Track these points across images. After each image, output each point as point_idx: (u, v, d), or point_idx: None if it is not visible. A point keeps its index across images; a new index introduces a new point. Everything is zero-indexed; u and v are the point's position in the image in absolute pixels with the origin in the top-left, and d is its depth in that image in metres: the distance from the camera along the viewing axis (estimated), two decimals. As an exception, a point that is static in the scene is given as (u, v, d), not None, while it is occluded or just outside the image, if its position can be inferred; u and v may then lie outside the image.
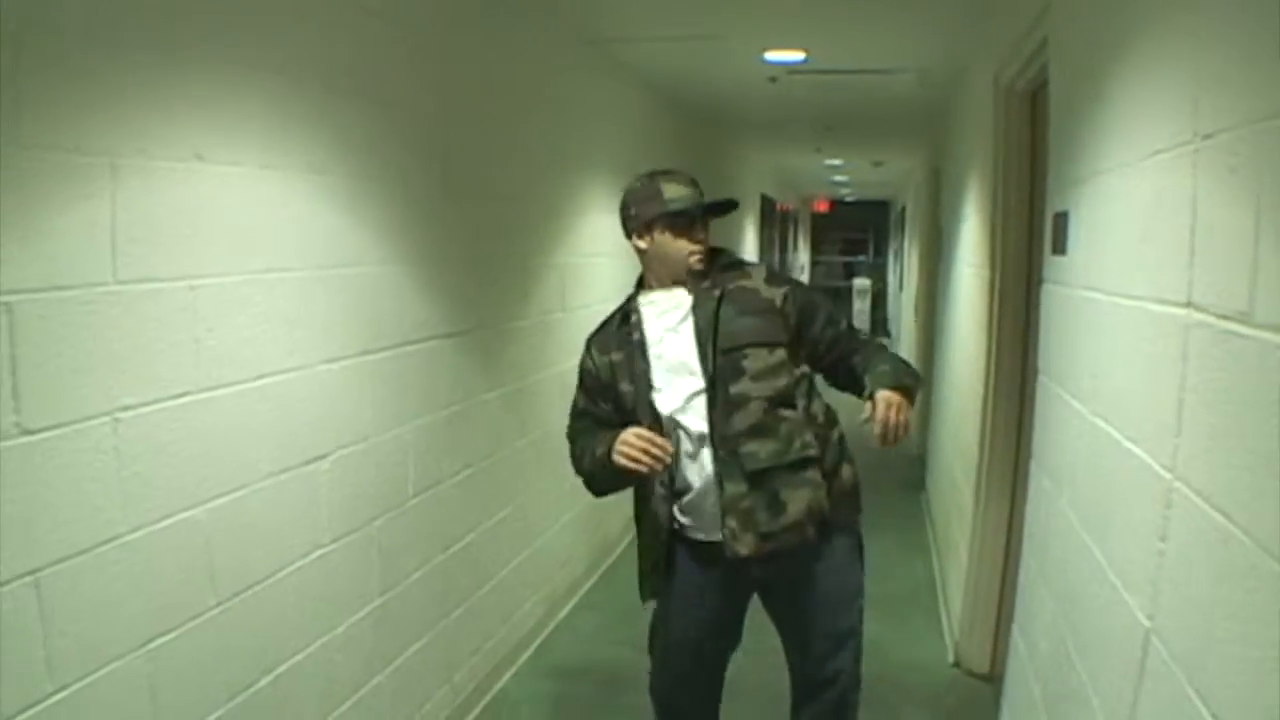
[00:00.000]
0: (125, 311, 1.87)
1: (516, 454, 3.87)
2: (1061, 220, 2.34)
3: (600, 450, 2.38)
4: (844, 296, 17.34)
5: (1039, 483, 2.51)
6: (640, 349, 2.46)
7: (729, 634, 2.65)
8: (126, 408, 1.88)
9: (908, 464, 7.19)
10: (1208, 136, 1.36)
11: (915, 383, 2.34)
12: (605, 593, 4.73)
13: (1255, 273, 1.18)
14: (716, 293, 2.44)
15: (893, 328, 15.39)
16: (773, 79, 5.46)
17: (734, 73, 5.47)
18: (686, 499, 2.46)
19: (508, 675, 3.83)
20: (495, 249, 3.68)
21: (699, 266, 2.48)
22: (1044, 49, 2.70)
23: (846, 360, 2.48)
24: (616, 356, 2.49)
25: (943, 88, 5.65)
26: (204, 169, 2.07)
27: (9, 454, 1.64)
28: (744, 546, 2.38)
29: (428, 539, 3.18)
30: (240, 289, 2.21)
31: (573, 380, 2.64)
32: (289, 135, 2.38)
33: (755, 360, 2.40)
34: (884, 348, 2.53)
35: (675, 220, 2.44)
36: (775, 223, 13.87)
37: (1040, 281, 2.68)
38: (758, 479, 2.37)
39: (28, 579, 1.68)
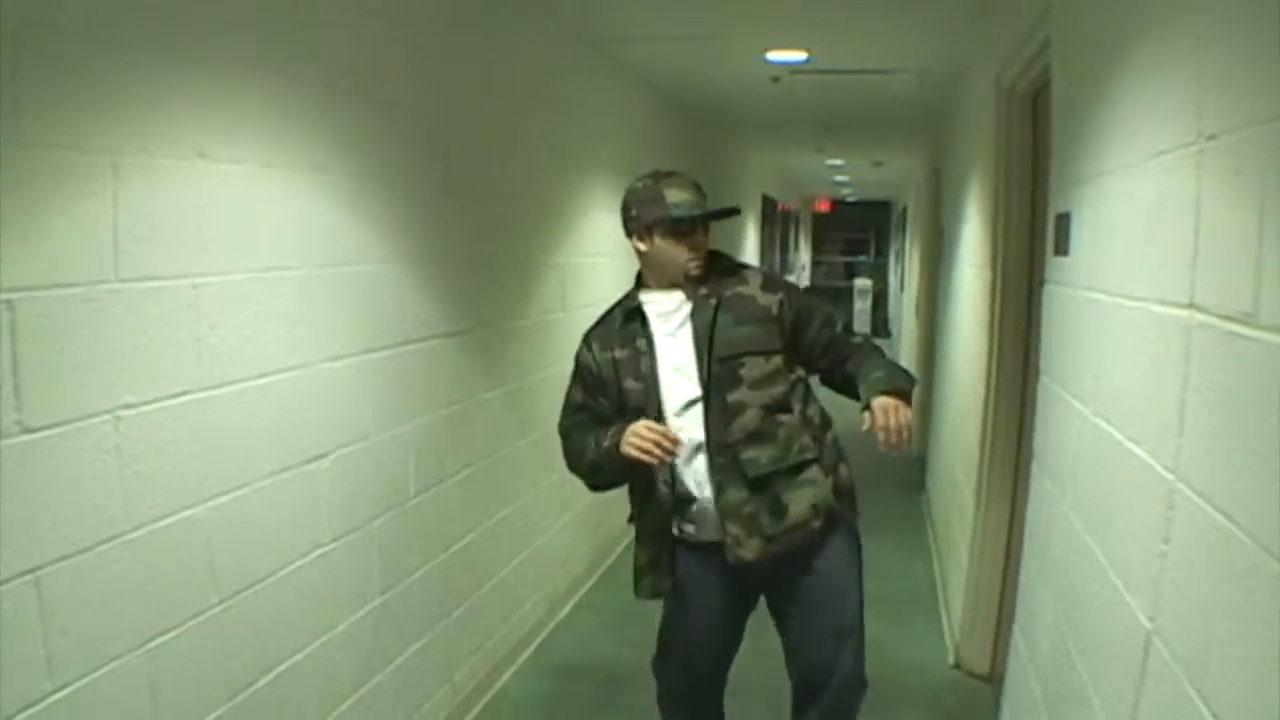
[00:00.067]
0: (127, 310, 1.87)
1: (517, 454, 3.86)
2: (1064, 221, 2.34)
3: (607, 443, 2.38)
4: (845, 297, 17.34)
5: (1040, 483, 2.51)
6: (649, 347, 2.46)
7: (735, 640, 2.66)
8: (128, 406, 1.88)
9: (908, 464, 7.18)
10: (1211, 138, 1.36)
11: (909, 385, 2.34)
12: (605, 592, 4.73)
13: (1259, 274, 1.18)
14: (714, 301, 2.45)
15: (894, 328, 15.38)
16: (774, 79, 5.46)
17: (735, 73, 5.47)
18: (684, 505, 2.46)
19: (508, 674, 3.83)
20: (496, 248, 3.68)
21: (697, 273, 2.48)
22: (1046, 50, 2.69)
23: (841, 364, 2.49)
24: (620, 354, 2.49)
25: (944, 88, 5.65)
26: (206, 167, 2.07)
27: (10, 452, 1.63)
28: (749, 551, 2.40)
29: (428, 538, 3.18)
30: (242, 287, 2.21)
31: (573, 380, 2.64)
32: (290, 134, 2.38)
33: (752, 368, 2.42)
34: (877, 351, 2.52)
35: (676, 226, 2.44)
36: (776, 223, 13.87)
37: (1041, 282, 2.68)
38: (759, 484, 2.39)
39: (28, 577, 1.67)
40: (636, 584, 2.58)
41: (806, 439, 2.44)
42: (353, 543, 2.71)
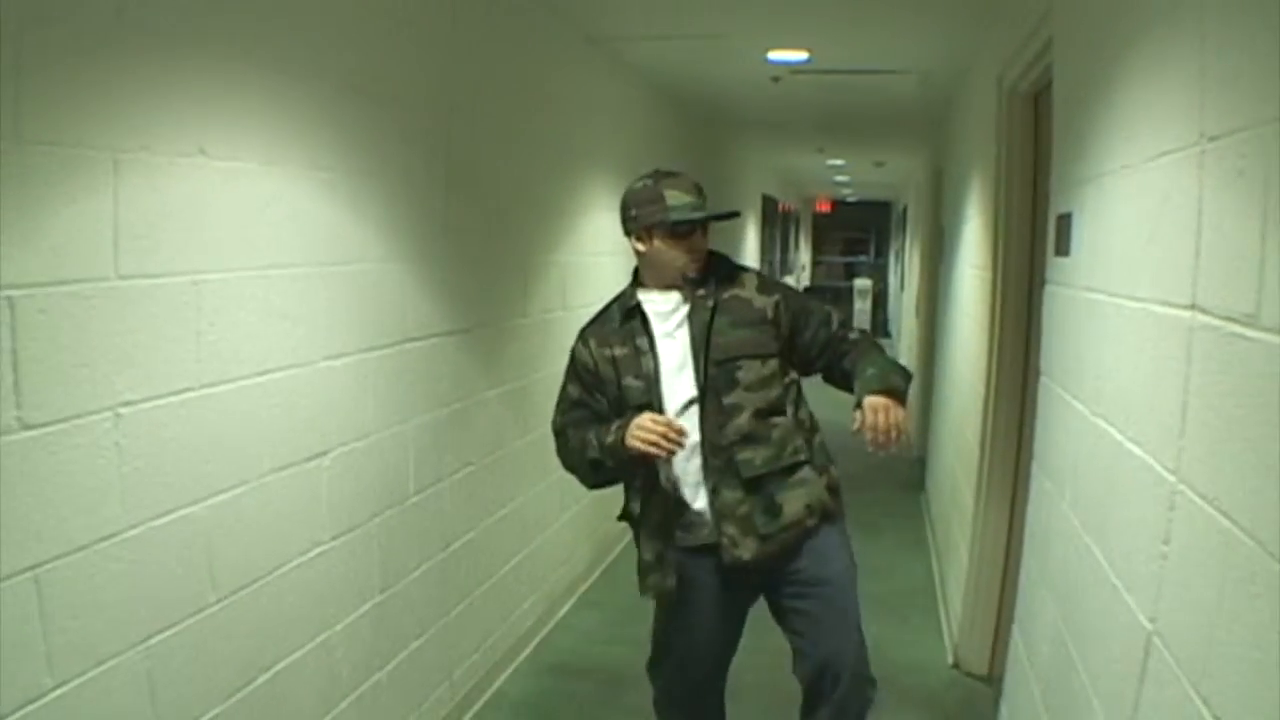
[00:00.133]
0: (127, 307, 1.87)
1: (517, 452, 3.86)
2: (1065, 222, 2.34)
3: (611, 438, 2.36)
4: (845, 297, 17.35)
5: (1040, 484, 2.51)
6: (650, 346, 2.46)
7: (734, 640, 2.66)
8: (128, 403, 1.88)
9: (908, 465, 7.19)
10: (1214, 139, 1.36)
11: (904, 381, 2.33)
12: (605, 591, 4.73)
13: (1261, 275, 1.17)
14: (711, 303, 2.45)
15: (893, 328, 15.39)
16: (775, 79, 5.46)
17: (737, 72, 5.47)
18: (679, 508, 2.46)
19: (507, 673, 3.83)
20: (497, 247, 3.68)
21: (695, 275, 2.48)
22: (1048, 50, 2.69)
23: (839, 361, 2.49)
24: (619, 352, 2.49)
25: (945, 88, 5.65)
26: (207, 164, 2.07)
27: (10, 449, 1.63)
28: (745, 551, 2.41)
29: (428, 537, 3.18)
30: (242, 285, 2.21)
31: (575, 379, 2.63)
32: (292, 132, 2.37)
33: (749, 371, 2.43)
34: (873, 347, 2.51)
35: (675, 228, 2.44)
36: (777, 223, 13.87)
37: (1042, 283, 2.68)
38: (754, 485, 2.41)
39: (28, 575, 1.67)
40: (642, 582, 2.55)
41: (799, 441, 2.46)
42: (352, 541, 2.71)
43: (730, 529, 2.41)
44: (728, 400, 2.41)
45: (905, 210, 12.86)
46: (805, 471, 2.45)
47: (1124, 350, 1.77)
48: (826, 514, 2.47)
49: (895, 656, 4.04)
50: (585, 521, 4.69)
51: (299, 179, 2.41)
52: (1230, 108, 1.32)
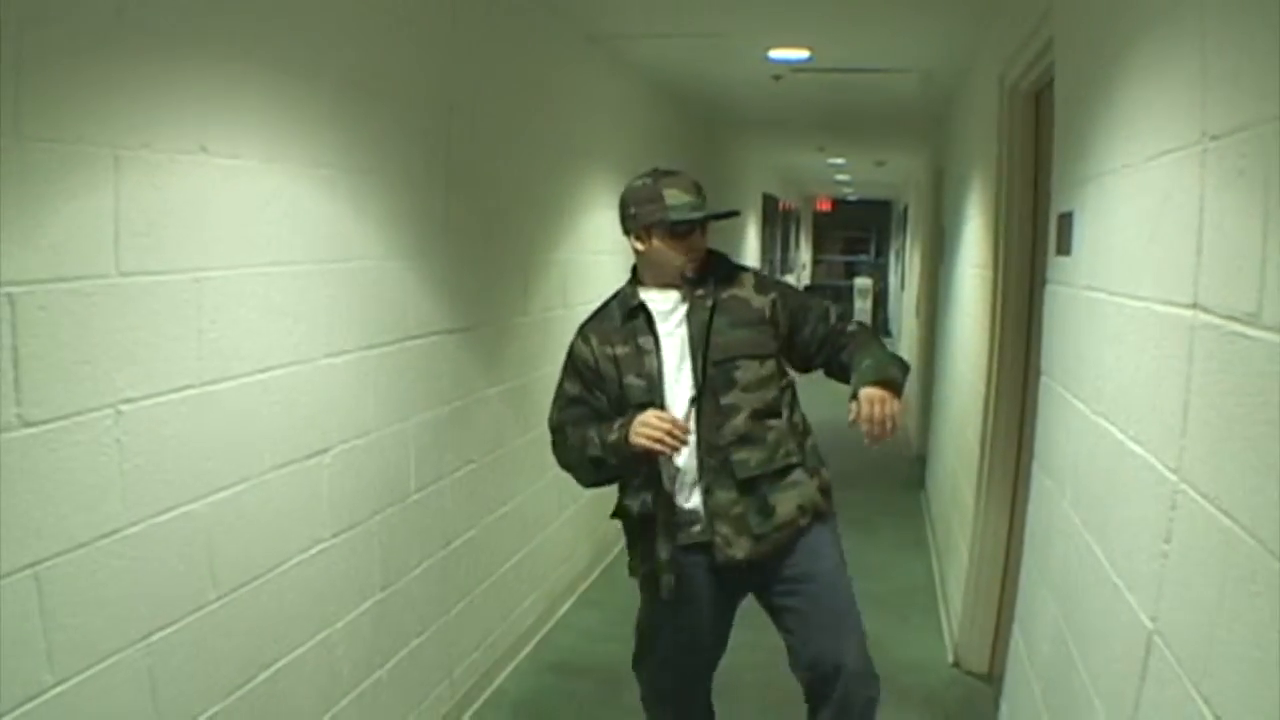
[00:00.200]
0: (128, 304, 1.87)
1: (518, 451, 3.86)
2: (1066, 221, 2.34)
3: (614, 436, 2.36)
4: (845, 296, 17.35)
5: (1040, 483, 2.51)
6: (654, 345, 2.46)
7: (723, 638, 2.65)
8: (128, 400, 1.88)
9: (908, 463, 7.19)
10: (1216, 138, 1.36)
11: (900, 373, 2.33)
12: (605, 590, 4.73)
13: (1263, 274, 1.17)
14: (710, 303, 2.45)
15: (894, 327, 15.40)
16: (776, 77, 5.46)
17: (737, 71, 5.47)
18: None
19: (507, 671, 3.83)
20: (497, 245, 3.67)
21: (693, 274, 2.48)
22: (1049, 49, 2.69)
23: (837, 355, 2.49)
24: (621, 350, 2.48)
25: (946, 87, 5.64)
26: (208, 162, 2.07)
27: (10, 446, 1.63)
28: (739, 551, 2.41)
29: (428, 534, 3.18)
30: (243, 282, 2.21)
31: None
32: (292, 129, 2.37)
33: (746, 372, 2.43)
34: (871, 339, 2.51)
35: (675, 228, 2.44)
36: (778, 221, 13.87)
37: (1043, 282, 2.68)
38: (747, 486, 2.41)
39: (28, 572, 1.67)
40: (656, 582, 2.53)
41: (792, 444, 2.47)
42: (353, 538, 2.71)
43: (724, 528, 2.41)
44: (725, 400, 2.41)
45: (906, 209, 12.86)
46: (798, 474, 2.46)
47: (1125, 349, 1.77)
48: (819, 513, 2.48)
49: (895, 655, 4.04)
50: (585, 520, 4.69)
51: (300, 176, 2.41)
52: (1232, 106, 1.31)
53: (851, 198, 19.38)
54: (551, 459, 2.62)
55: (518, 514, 3.93)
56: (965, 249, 4.90)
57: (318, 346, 2.51)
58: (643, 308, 2.49)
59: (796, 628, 2.46)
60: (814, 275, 20.59)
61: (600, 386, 2.50)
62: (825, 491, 2.52)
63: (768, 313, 2.48)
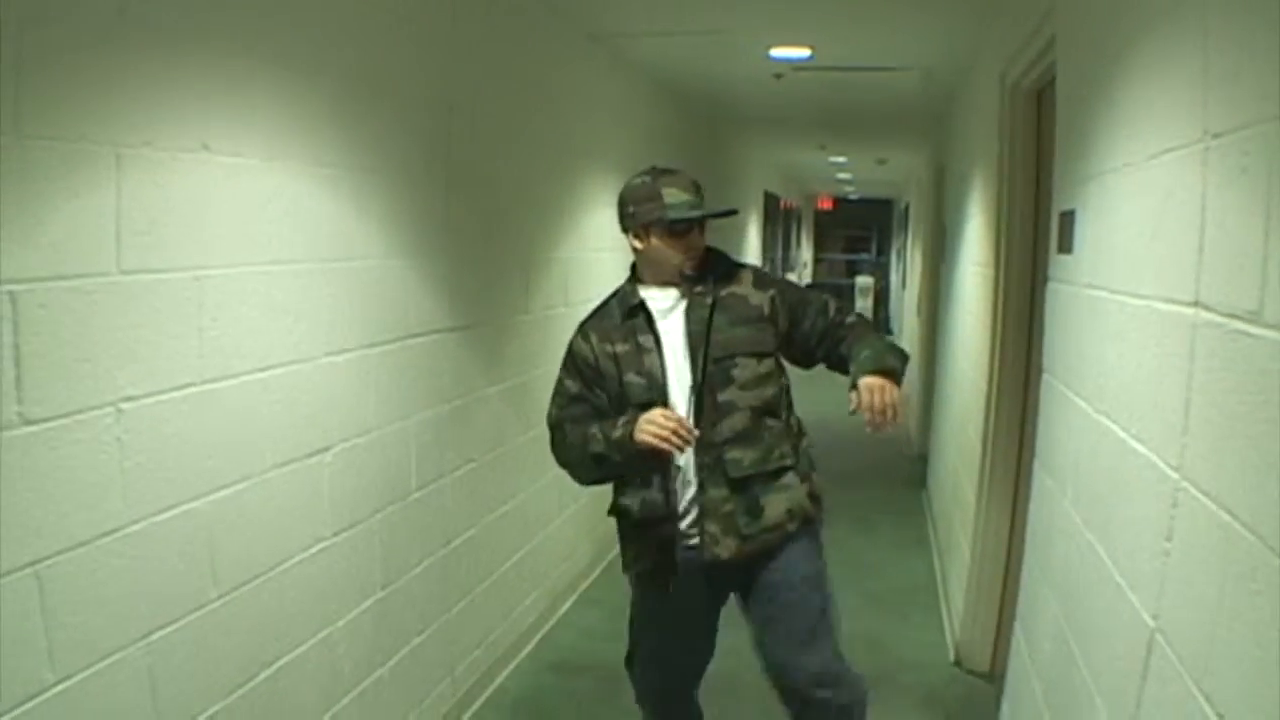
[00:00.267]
0: (129, 302, 1.87)
1: (518, 449, 3.86)
2: (1068, 219, 2.33)
3: (618, 433, 2.35)
4: (846, 294, 17.36)
5: (1042, 481, 2.51)
6: (655, 344, 2.46)
7: (710, 636, 2.66)
8: (129, 398, 1.88)
9: (909, 461, 7.19)
10: (1218, 136, 1.36)
11: (899, 362, 2.33)
12: (606, 588, 4.72)
13: (1265, 272, 1.17)
14: (709, 300, 2.46)
15: (895, 326, 15.39)
16: (778, 75, 5.45)
17: (739, 69, 5.47)
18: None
19: (508, 670, 3.83)
20: (498, 243, 3.67)
21: (692, 272, 2.48)
22: (1051, 48, 2.69)
23: (836, 347, 2.49)
24: (621, 348, 2.48)
25: (948, 85, 5.64)
26: (209, 160, 2.07)
27: (11, 444, 1.63)
28: (724, 550, 2.42)
29: (429, 533, 3.18)
30: (244, 281, 2.21)
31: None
32: (294, 128, 2.37)
33: (744, 369, 2.43)
34: (868, 329, 2.52)
35: (673, 226, 2.44)
36: (779, 220, 13.86)
37: (1044, 280, 2.68)
38: (739, 485, 2.42)
39: (29, 570, 1.67)
40: (649, 580, 2.56)
41: (787, 446, 2.48)
42: (354, 537, 2.71)
43: (712, 526, 2.42)
44: (722, 397, 2.42)
45: (907, 208, 12.85)
46: (789, 477, 2.47)
47: (1127, 347, 1.77)
48: (806, 519, 2.49)
49: (897, 653, 4.05)
50: (586, 519, 4.69)
51: (301, 175, 2.41)
52: (1233, 105, 1.31)
53: (853, 196, 19.38)
54: (551, 458, 2.61)
55: (518, 512, 3.94)
56: (967, 247, 4.90)
57: (319, 345, 2.51)
58: (642, 306, 2.49)
59: (767, 634, 2.47)
60: (815, 274, 20.59)
61: (600, 384, 2.50)
62: (815, 498, 2.53)
63: (767, 310, 2.48)
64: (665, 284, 2.51)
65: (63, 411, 1.73)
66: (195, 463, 2.07)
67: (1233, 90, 1.32)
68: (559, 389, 2.58)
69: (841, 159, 11.64)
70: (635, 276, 2.57)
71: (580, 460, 2.49)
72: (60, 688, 1.74)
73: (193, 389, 2.05)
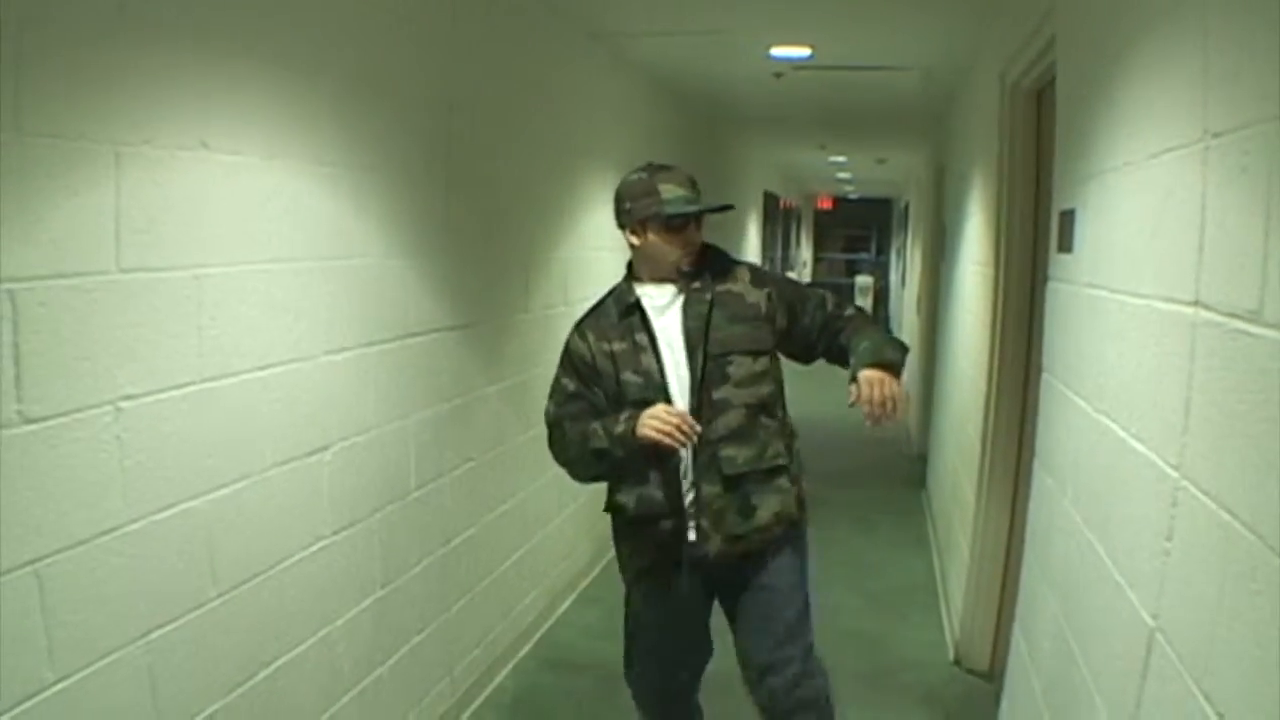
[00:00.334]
0: (128, 300, 1.87)
1: (518, 448, 3.86)
2: (1068, 218, 2.33)
3: (621, 428, 2.35)
4: (846, 294, 17.34)
5: (1041, 480, 2.51)
6: (650, 342, 2.46)
7: (705, 640, 2.67)
8: (129, 397, 1.88)
9: (908, 461, 7.19)
10: (1218, 135, 1.36)
11: (898, 354, 2.33)
12: (605, 587, 4.72)
13: (1265, 272, 1.17)
14: (708, 297, 2.46)
15: (895, 325, 15.39)
16: (778, 75, 5.45)
17: (739, 68, 5.47)
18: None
19: (507, 669, 3.83)
20: (498, 242, 3.67)
21: (689, 268, 2.49)
22: (1051, 47, 2.69)
23: (835, 340, 2.50)
24: (618, 346, 2.48)
25: (948, 85, 5.64)
26: (209, 158, 2.07)
27: (11, 443, 1.63)
28: (711, 547, 2.44)
29: (429, 532, 3.18)
30: (244, 279, 2.21)
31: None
32: (293, 126, 2.37)
33: (740, 367, 2.44)
34: (867, 321, 2.53)
35: (670, 221, 2.44)
36: (778, 219, 13.87)
37: (1044, 279, 2.68)
38: (732, 482, 2.43)
39: (28, 569, 1.67)
40: (647, 577, 2.58)
41: (780, 446, 2.49)
42: (354, 536, 2.71)
43: (704, 522, 2.43)
44: (718, 395, 2.42)
45: (907, 207, 12.85)
46: (783, 479, 2.48)
47: (1126, 346, 1.77)
48: (793, 524, 2.51)
49: (896, 652, 4.05)
50: (586, 517, 4.69)
51: (301, 173, 2.41)
52: (1233, 104, 1.31)
53: (852, 195, 19.38)
54: (551, 456, 2.61)
55: (518, 511, 3.94)
56: (966, 246, 4.90)
57: (318, 343, 2.51)
58: (638, 304, 2.49)
59: (750, 635, 2.51)
60: (815, 273, 20.60)
61: (598, 383, 2.50)
62: (802, 503, 2.54)
63: (764, 307, 2.48)
64: (662, 280, 2.51)
65: (62, 410, 1.73)
66: (195, 461, 2.07)
67: (1233, 90, 1.32)
68: (556, 387, 2.57)
69: (841, 158, 11.65)
70: (632, 274, 2.57)
71: (580, 456, 2.49)
72: (60, 686, 1.73)
73: (192, 387, 2.05)
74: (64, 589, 1.74)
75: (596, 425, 2.42)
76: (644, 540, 2.52)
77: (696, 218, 2.48)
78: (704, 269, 2.50)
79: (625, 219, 2.50)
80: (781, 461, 2.47)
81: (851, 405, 2.23)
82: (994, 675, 3.49)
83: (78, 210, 1.74)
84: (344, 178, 2.59)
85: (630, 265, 2.58)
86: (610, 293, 2.59)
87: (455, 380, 3.31)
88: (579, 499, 4.52)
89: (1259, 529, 1.15)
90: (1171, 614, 1.43)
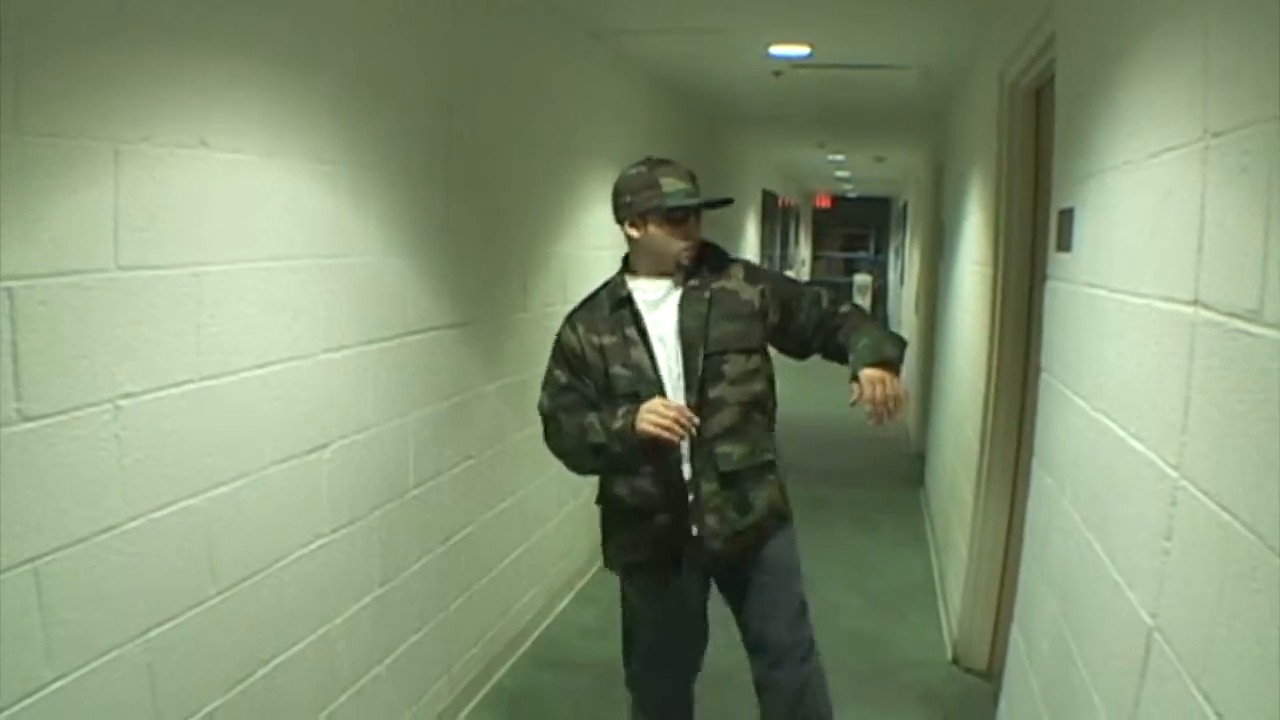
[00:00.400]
0: (127, 298, 1.86)
1: (516, 446, 3.86)
2: (1067, 217, 2.33)
3: (619, 423, 2.35)
4: (844, 293, 17.33)
5: (1040, 480, 2.51)
6: (640, 336, 2.46)
7: (702, 632, 2.68)
8: (128, 395, 1.88)
9: (907, 460, 7.18)
10: (1218, 134, 1.36)
11: (897, 351, 2.34)
12: (604, 586, 4.70)
13: (1265, 271, 1.17)
14: (706, 295, 2.46)
15: (893, 324, 15.40)
16: (777, 73, 5.46)
17: (738, 67, 5.47)
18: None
19: (506, 667, 3.83)
20: (497, 241, 3.67)
21: (689, 262, 2.49)
22: (1050, 46, 2.69)
23: (833, 337, 2.50)
24: (608, 340, 2.48)
25: (946, 84, 5.64)
26: (208, 156, 2.06)
27: (10, 441, 1.63)
28: (719, 542, 2.46)
29: (428, 530, 3.18)
30: (243, 277, 2.20)
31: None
32: (293, 124, 2.37)
33: (734, 365, 2.45)
34: (864, 318, 2.53)
35: (672, 214, 2.44)
36: (777, 218, 13.86)
37: (1043, 278, 2.68)
38: (729, 479, 2.45)
39: (27, 567, 1.67)
40: (640, 569, 2.59)
41: (769, 441, 2.53)
42: (352, 534, 2.71)
43: (708, 520, 2.45)
44: (713, 393, 2.43)
45: (905, 206, 12.85)
46: (772, 473, 2.53)
47: (1126, 346, 1.77)
48: (783, 514, 2.56)
49: (894, 651, 4.05)
50: (585, 516, 4.67)
51: (300, 171, 2.41)
52: (1234, 104, 1.31)
53: (851, 194, 19.38)
54: (550, 456, 2.60)
55: (517, 510, 3.94)
56: (965, 245, 4.90)
57: (317, 341, 2.51)
58: (631, 299, 2.49)
59: (756, 619, 2.55)
60: (813, 272, 20.60)
61: (586, 374, 2.50)
62: (785, 492, 2.59)
63: (757, 304, 2.49)
64: (659, 275, 2.51)
65: (61, 408, 1.73)
66: (194, 459, 2.07)
67: (1233, 89, 1.32)
68: (549, 379, 2.57)
69: (840, 157, 11.64)
70: (627, 267, 2.57)
71: (577, 450, 2.48)
72: (58, 685, 1.73)
73: (191, 385, 2.05)
74: (63, 587, 1.74)
75: (594, 420, 2.41)
76: (639, 533, 2.52)
77: (696, 212, 2.48)
78: (700, 265, 2.51)
79: (625, 212, 2.50)
80: (770, 457, 2.52)
81: (853, 405, 2.24)
82: (992, 675, 3.49)
83: (77, 208, 1.74)
84: (343, 176, 2.59)
85: (626, 259, 2.58)
86: (604, 285, 2.59)
87: (454, 378, 3.31)
88: (578, 497, 4.52)
89: (1259, 528, 1.15)
90: (1170, 613, 1.43)
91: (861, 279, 18.51)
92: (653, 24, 4.48)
